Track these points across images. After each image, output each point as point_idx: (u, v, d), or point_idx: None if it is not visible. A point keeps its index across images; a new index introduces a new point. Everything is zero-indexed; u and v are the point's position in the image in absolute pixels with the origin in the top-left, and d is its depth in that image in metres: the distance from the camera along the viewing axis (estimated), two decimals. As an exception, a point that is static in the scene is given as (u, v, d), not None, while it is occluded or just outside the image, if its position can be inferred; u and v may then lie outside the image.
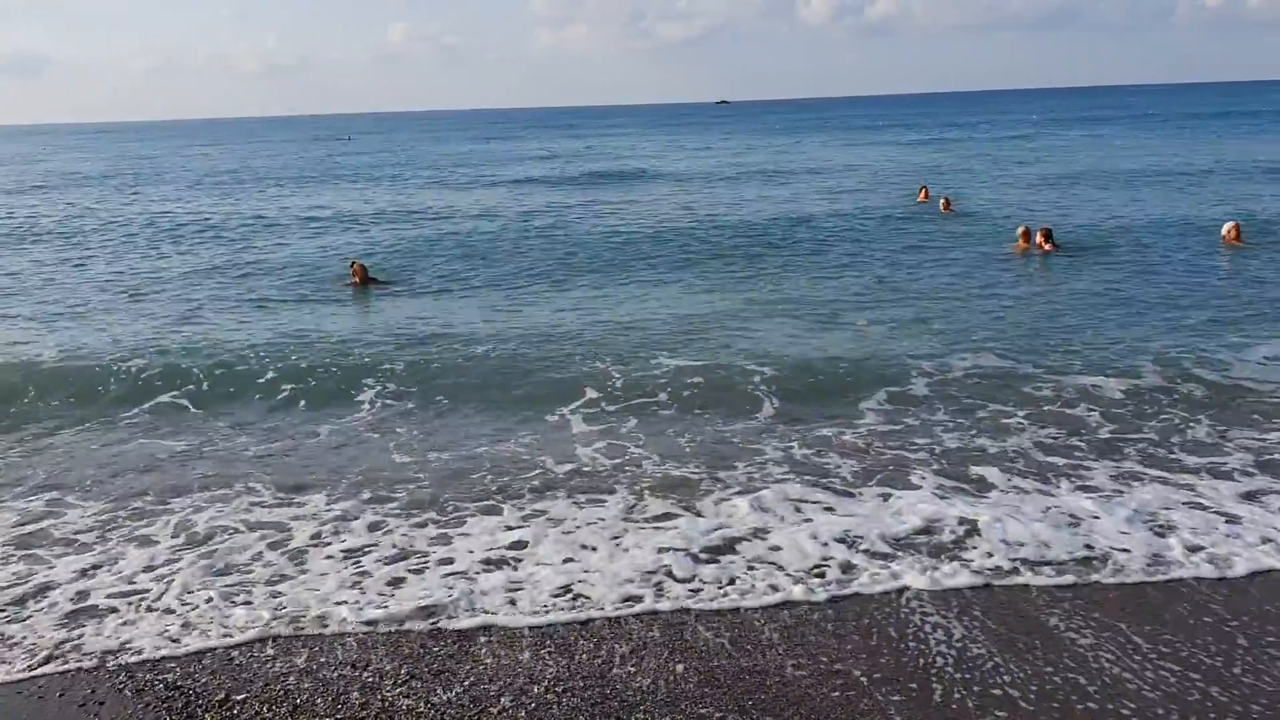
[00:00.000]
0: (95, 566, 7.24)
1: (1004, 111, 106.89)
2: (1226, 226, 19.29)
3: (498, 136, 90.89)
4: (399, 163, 54.39)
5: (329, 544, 7.53)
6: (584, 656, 5.91)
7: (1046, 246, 18.55)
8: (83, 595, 6.82)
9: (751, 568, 6.94)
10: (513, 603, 6.55)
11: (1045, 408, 10.12)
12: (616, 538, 7.44)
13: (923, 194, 27.66)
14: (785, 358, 12.10)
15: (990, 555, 7.00)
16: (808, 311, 14.78)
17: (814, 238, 21.78)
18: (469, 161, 53.87)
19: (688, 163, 47.14)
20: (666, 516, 7.83)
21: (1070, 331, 13.04)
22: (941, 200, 25.40)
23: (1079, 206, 25.30)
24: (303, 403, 11.24)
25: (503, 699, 5.51)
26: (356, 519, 7.96)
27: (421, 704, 5.48)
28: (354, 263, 18.38)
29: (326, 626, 6.32)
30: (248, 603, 6.66)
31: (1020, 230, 19.21)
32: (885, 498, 8.06)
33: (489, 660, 5.91)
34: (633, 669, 5.76)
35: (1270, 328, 12.95)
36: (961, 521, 7.52)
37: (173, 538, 7.71)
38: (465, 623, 6.33)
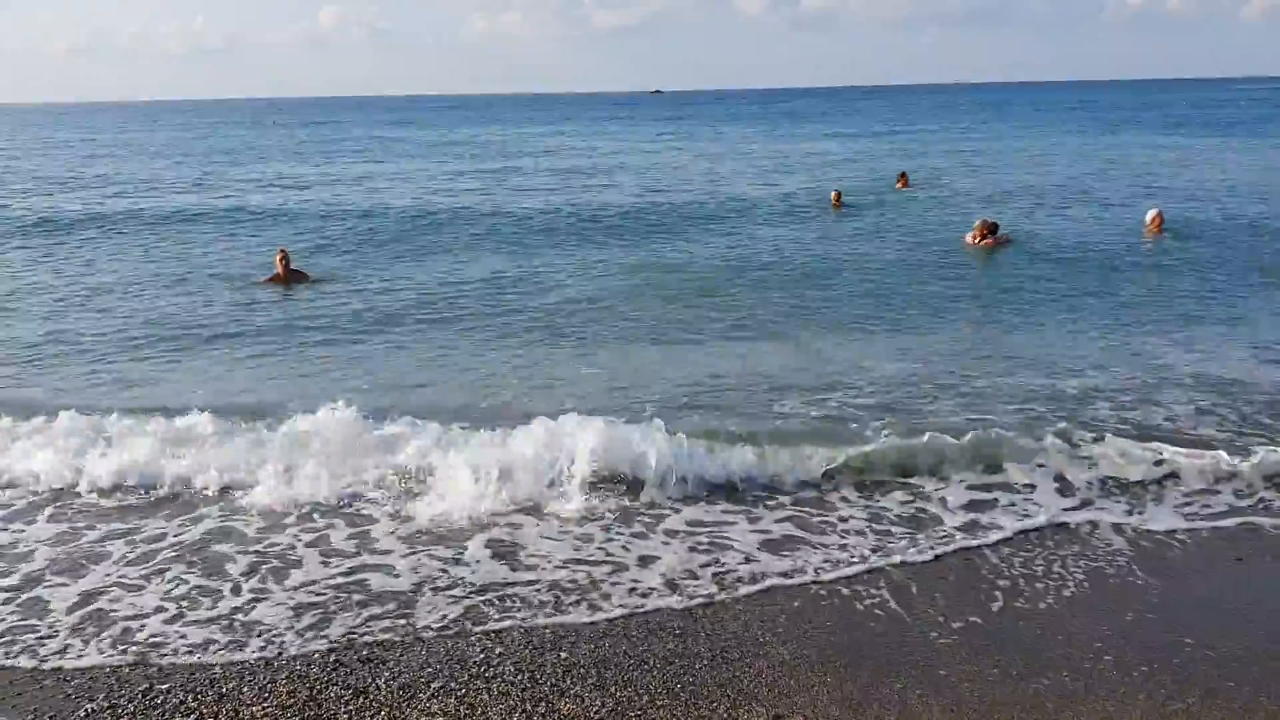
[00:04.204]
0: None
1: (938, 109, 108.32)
2: (1149, 215, 19.59)
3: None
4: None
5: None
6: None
7: (989, 240, 18.39)
8: None
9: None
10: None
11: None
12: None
13: (901, 181, 28.78)
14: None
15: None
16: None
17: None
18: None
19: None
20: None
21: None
22: (833, 193, 25.38)
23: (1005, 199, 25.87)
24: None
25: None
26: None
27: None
28: (280, 251, 16.37)
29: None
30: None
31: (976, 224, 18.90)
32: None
33: (419, 647, 5.89)
34: (563, 654, 5.78)
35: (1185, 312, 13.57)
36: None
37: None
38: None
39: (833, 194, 25.42)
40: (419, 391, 10.65)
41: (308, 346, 12.51)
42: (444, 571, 6.82)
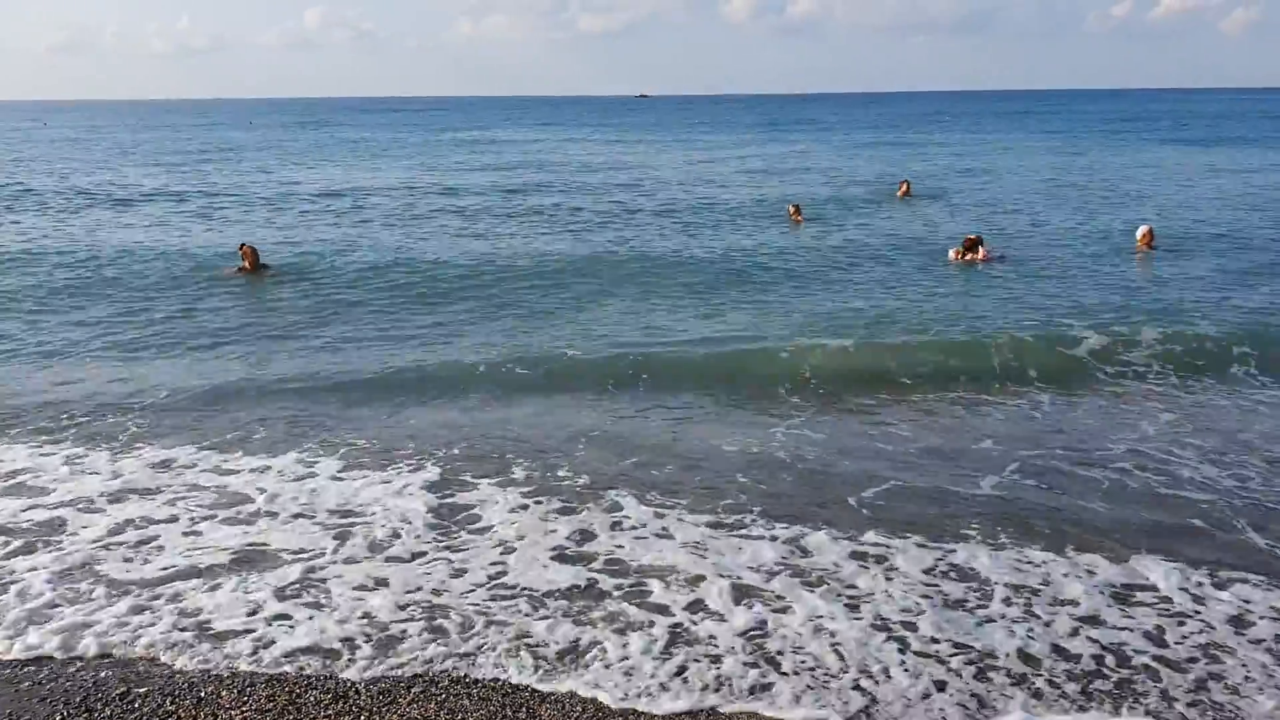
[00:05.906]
0: None
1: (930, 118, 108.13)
2: (1140, 231, 19.66)
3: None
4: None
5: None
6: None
7: (972, 257, 18.09)
8: None
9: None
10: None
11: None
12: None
13: (903, 189, 28.45)
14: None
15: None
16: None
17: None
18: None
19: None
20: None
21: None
22: (790, 207, 24.21)
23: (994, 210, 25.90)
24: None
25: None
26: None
27: (330, 696, 5.42)
28: (243, 246, 17.37)
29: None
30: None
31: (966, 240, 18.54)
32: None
33: (399, 651, 5.88)
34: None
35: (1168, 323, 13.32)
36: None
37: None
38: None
39: (790, 207, 24.12)
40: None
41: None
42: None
